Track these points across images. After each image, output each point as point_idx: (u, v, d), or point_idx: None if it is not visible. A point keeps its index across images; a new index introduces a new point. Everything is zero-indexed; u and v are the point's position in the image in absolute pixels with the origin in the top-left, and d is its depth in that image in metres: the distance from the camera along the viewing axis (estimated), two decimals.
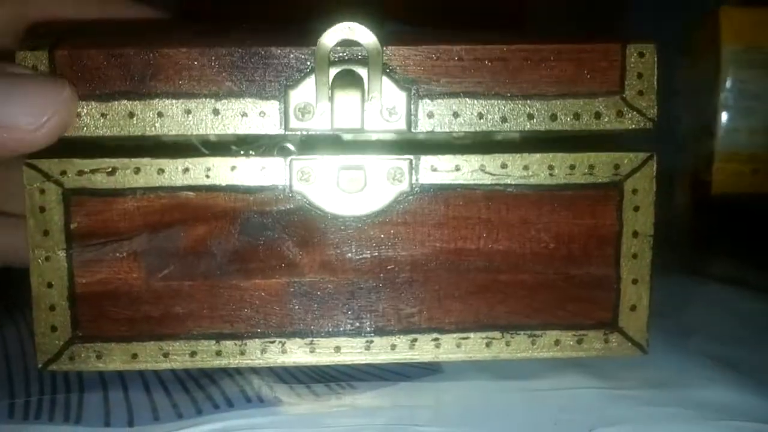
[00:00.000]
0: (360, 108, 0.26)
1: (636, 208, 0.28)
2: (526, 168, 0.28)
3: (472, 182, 0.28)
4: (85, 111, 0.26)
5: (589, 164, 0.28)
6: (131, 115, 0.26)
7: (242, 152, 0.28)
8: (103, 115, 0.26)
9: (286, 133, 0.27)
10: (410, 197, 0.28)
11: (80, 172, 0.27)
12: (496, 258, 0.28)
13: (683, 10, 0.63)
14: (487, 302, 0.28)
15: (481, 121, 0.27)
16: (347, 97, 0.26)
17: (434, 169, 0.27)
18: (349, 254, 0.28)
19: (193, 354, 0.28)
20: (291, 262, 0.28)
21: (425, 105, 0.27)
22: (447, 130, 0.27)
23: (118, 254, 0.27)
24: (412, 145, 0.29)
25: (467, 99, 0.27)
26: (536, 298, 0.28)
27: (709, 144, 0.60)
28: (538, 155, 0.28)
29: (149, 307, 0.27)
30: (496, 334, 0.28)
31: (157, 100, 0.26)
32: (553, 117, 0.27)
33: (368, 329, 0.28)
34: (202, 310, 0.27)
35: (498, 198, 0.28)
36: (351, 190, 0.27)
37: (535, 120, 0.27)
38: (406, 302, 0.28)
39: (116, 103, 0.26)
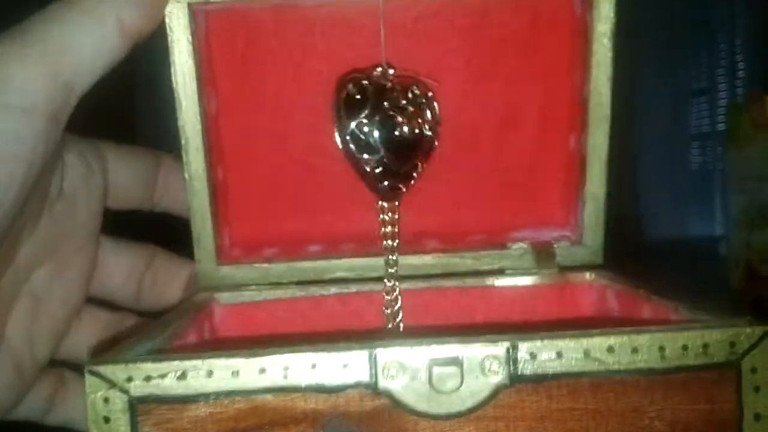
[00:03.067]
0: None
1: (756, 389, 0.25)
2: (635, 351, 0.25)
3: (576, 370, 0.25)
4: None
5: (702, 343, 0.25)
6: None
7: None
8: None
9: None
10: (509, 389, 0.25)
11: (148, 378, 0.24)
12: None
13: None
14: None
15: None
16: None
17: (534, 357, 0.25)
18: None
19: None
20: None
21: None
22: None
23: None
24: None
25: None
26: None
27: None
28: (647, 336, 0.25)
29: None
30: None
31: None
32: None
33: None
34: None
35: (605, 385, 0.25)
36: (445, 389, 0.25)
37: None
38: None
39: None
